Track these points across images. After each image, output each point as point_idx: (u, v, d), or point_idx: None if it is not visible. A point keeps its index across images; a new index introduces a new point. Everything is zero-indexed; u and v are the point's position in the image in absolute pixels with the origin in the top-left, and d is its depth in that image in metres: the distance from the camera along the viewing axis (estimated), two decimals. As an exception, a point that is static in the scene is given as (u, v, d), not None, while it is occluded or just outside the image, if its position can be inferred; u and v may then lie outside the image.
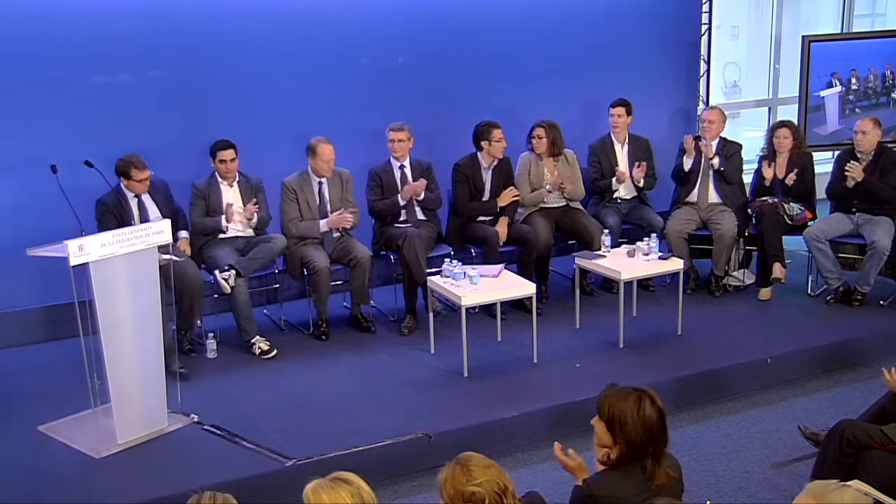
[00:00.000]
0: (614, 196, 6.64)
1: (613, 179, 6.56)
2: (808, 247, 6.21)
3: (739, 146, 6.60)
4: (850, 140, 7.43)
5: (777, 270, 6.22)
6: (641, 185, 6.61)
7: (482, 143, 6.21)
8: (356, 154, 6.61)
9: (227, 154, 5.67)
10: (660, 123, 7.53)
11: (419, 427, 4.60)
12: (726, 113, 6.66)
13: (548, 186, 6.36)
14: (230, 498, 2.33)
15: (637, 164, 6.55)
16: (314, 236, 5.87)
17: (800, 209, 6.32)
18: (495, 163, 6.26)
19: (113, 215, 5.29)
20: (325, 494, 2.29)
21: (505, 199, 6.24)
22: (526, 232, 6.18)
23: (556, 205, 6.48)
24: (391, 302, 6.25)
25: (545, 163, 6.43)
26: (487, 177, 6.29)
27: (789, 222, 6.29)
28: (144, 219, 5.35)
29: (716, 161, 6.42)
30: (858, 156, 6.21)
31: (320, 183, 5.90)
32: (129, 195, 5.38)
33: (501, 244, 6.20)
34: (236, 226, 5.78)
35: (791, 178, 6.33)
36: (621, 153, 6.67)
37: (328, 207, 5.91)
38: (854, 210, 6.20)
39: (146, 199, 5.46)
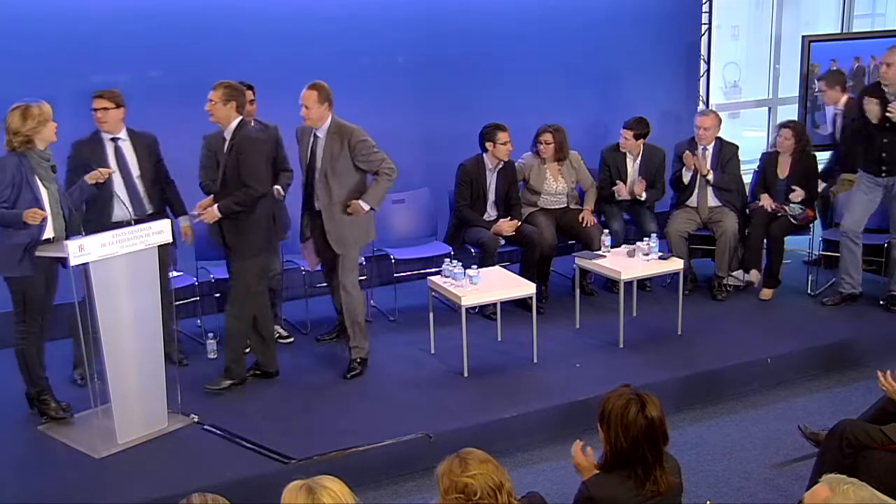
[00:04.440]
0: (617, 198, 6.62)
1: (614, 190, 6.52)
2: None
3: (736, 147, 6.55)
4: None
5: (753, 276, 6.36)
6: (643, 198, 6.52)
7: (487, 145, 6.16)
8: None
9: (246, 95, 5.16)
10: (659, 123, 7.52)
11: (419, 427, 4.60)
12: (721, 115, 6.61)
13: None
14: (219, 498, 2.33)
15: (640, 179, 6.51)
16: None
17: (801, 209, 6.31)
18: (500, 165, 6.22)
19: (82, 162, 4.85)
20: (288, 496, 2.29)
21: (502, 228, 6.16)
22: (530, 232, 6.17)
23: (556, 206, 6.47)
24: (391, 302, 6.25)
25: (549, 167, 6.40)
26: (492, 179, 6.25)
27: (794, 223, 6.28)
28: (123, 166, 4.98)
29: (710, 177, 6.37)
30: (886, 90, 5.72)
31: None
32: (105, 137, 5.00)
33: (504, 243, 6.20)
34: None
35: (798, 196, 6.28)
36: (632, 165, 6.58)
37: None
38: (883, 171, 5.85)
39: (126, 147, 5.05)
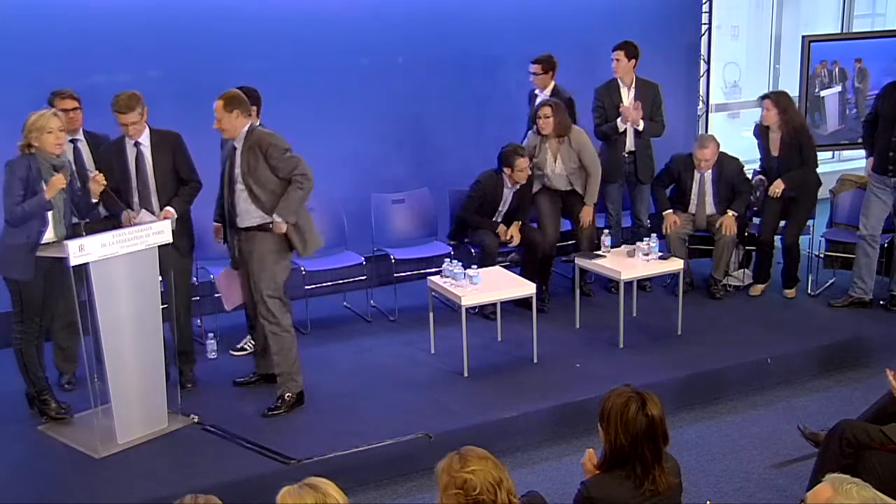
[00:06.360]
0: (623, 146, 6.42)
1: (618, 120, 6.34)
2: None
3: (737, 161, 6.38)
4: (848, 140, 7.46)
5: (756, 290, 6.44)
6: (640, 128, 6.35)
7: (506, 169, 6.03)
8: (355, 154, 6.62)
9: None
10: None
11: (419, 427, 4.60)
12: (718, 140, 6.36)
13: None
14: (212, 498, 2.33)
15: (635, 104, 6.32)
16: None
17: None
18: (517, 186, 6.10)
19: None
20: (289, 498, 2.30)
21: (505, 234, 6.09)
22: (532, 233, 6.15)
23: (560, 187, 6.28)
24: (391, 302, 6.25)
25: (549, 144, 6.21)
26: (509, 196, 6.14)
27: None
28: (81, 169, 4.93)
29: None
30: None
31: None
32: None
33: (510, 246, 6.15)
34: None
35: (776, 189, 6.16)
36: (627, 97, 6.40)
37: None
38: (890, 171, 5.81)
39: (83, 147, 5.09)
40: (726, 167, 6.32)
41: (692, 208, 6.41)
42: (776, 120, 6.15)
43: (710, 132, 7.68)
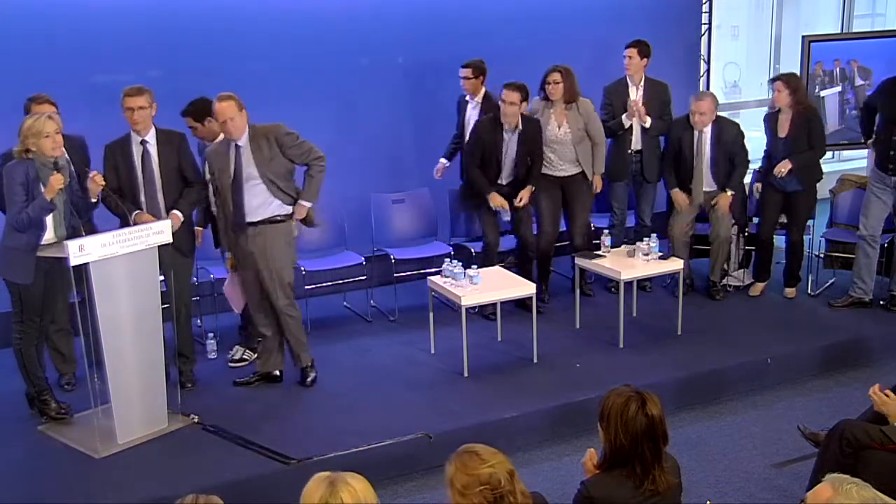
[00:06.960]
0: (629, 144, 6.39)
1: (623, 116, 6.30)
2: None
3: (737, 126, 6.29)
4: (848, 140, 7.45)
5: (756, 289, 6.45)
6: (647, 124, 6.33)
7: (499, 102, 5.88)
8: (355, 153, 6.61)
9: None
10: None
11: (419, 427, 4.60)
12: (718, 99, 6.29)
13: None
14: (213, 498, 2.33)
15: (643, 102, 6.30)
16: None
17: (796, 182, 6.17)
18: (520, 128, 5.84)
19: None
20: (308, 493, 2.32)
21: (496, 200, 5.86)
22: (526, 232, 6.14)
23: (561, 170, 6.16)
24: (391, 302, 6.25)
25: (555, 110, 6.07)
26: (510, 142, 5.86)
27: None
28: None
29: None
30: None
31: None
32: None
33: (508, 219, 6.07)
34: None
35: (782, 168, 6.05)
36: (635, 96, 6.38)
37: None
38: (891, 169, 5.81)
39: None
40: (725, 130, 6.20)
41: (694, 178, 6.23)
42: (788, 101, 6.07)
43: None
